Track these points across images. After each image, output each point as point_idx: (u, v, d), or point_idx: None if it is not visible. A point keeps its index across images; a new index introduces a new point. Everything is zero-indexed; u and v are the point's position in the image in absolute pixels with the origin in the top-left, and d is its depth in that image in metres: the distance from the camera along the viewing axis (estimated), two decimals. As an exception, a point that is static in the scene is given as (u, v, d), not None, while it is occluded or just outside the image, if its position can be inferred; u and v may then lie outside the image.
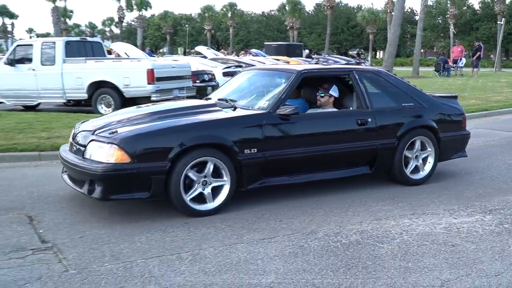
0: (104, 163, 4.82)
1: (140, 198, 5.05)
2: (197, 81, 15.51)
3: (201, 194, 5.13)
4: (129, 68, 13.24)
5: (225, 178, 5.21)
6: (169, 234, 4.77)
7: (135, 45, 42.23)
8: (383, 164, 6.17)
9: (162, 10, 73.08)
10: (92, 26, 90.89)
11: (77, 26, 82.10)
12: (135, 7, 59.22)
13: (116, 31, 76.17)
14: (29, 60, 13.68)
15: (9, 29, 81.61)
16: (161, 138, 5.02)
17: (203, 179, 5.11)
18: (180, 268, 4.03)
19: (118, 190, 4.94)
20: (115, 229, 4.90)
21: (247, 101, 6.05)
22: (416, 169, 6.44)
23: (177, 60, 16.77)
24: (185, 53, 49.71)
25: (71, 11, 75.81)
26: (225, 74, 16.56)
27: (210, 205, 5.18)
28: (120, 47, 19.74)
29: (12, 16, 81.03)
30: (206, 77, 15.98)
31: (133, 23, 64.80)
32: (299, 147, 5.62)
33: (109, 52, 18.82)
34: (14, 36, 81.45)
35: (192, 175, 5.04)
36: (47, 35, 63.86)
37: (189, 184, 5.07)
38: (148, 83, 12.81)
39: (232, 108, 5.75)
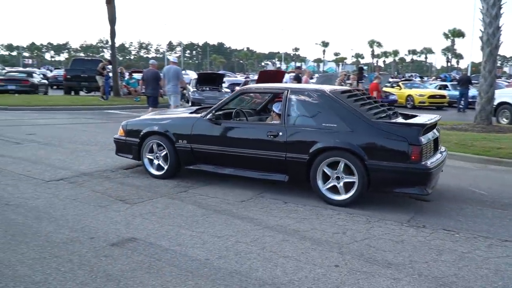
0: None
1: (128, 158, 6.48)
2: None
3: (152, 160, 6.20)
4: None
5: (168, 157, 6.03)
6: None
7: None
8: (295, 175, 5.29)
9: None
10: None
11: None
12: None
13: None
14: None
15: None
16: (135, 126, 6.40)
17: (157, 153, 6.14)
18: None
19: (120, 151, 6.60)
20: None
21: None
22: (335, 190, 5.04)
23: None
24: None
25: None
26: None
27: (158, 172, 6.13)
28: None
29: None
30: None
31: None
32: (217, 145, 5.68)
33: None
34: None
35: (151, 147, 6.19)
36: None
37: (150, 151, 6.20)
38: None
39: (196, 113, 6.33)
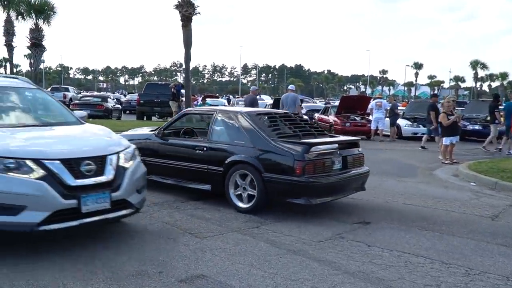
0: None
1: None
2: None
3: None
4: None
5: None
6: None
7: None
8: (215, 186, 6.50)
9: None
10: None
11: None
12: None
13: None
14: None
15: None
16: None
17: None
18: None
19: None
20: None
21: None
22: (243, 198, 6.23)
23: None
24: None
25: None
26: None
27: None
28: None
29: None
30: None
31: None
32: (161, 158, 7.17)
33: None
34: None
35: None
36: None
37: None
38: None
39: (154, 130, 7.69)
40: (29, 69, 34.28)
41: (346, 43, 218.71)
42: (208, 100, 24.75)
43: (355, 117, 18.96)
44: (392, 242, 5.16)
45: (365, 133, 18.52)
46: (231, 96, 54.20)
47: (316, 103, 37.11)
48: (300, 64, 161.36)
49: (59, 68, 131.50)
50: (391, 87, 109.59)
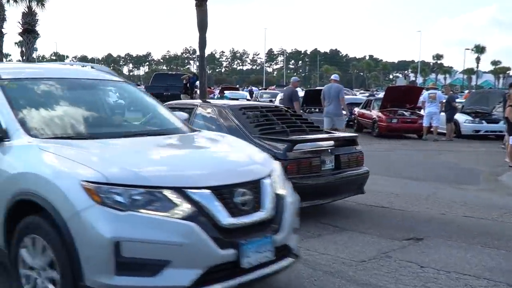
0: None
1: None
2: None
3: None
4: None
5: None
6: None
7: None
8: None
9: None
10: None
11: None
12: None
13: None
14: None
15: None
16: None
17: None
18: None
19: None
20: None
21: None
22: None
23: None
24: None
25: None
26: None
27: None
28: None
29: None
30: None
31: None
32: None
33: None
34: None
35: None
36: None
37: None
38: None
39: None
40: (20, 58, 35.11)
41: (392, 24, 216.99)
42: (226, 92, 24.87)
43: (404, 112, 18.82)
44: (450, 262, 5.10)
45: (416, 131, 18.38)
46: (254, 88, 54.38)
47: (356, 95, 36.82)
48: (336, 49, 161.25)
49: (54, 57, 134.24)
50: (447, 75, 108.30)
